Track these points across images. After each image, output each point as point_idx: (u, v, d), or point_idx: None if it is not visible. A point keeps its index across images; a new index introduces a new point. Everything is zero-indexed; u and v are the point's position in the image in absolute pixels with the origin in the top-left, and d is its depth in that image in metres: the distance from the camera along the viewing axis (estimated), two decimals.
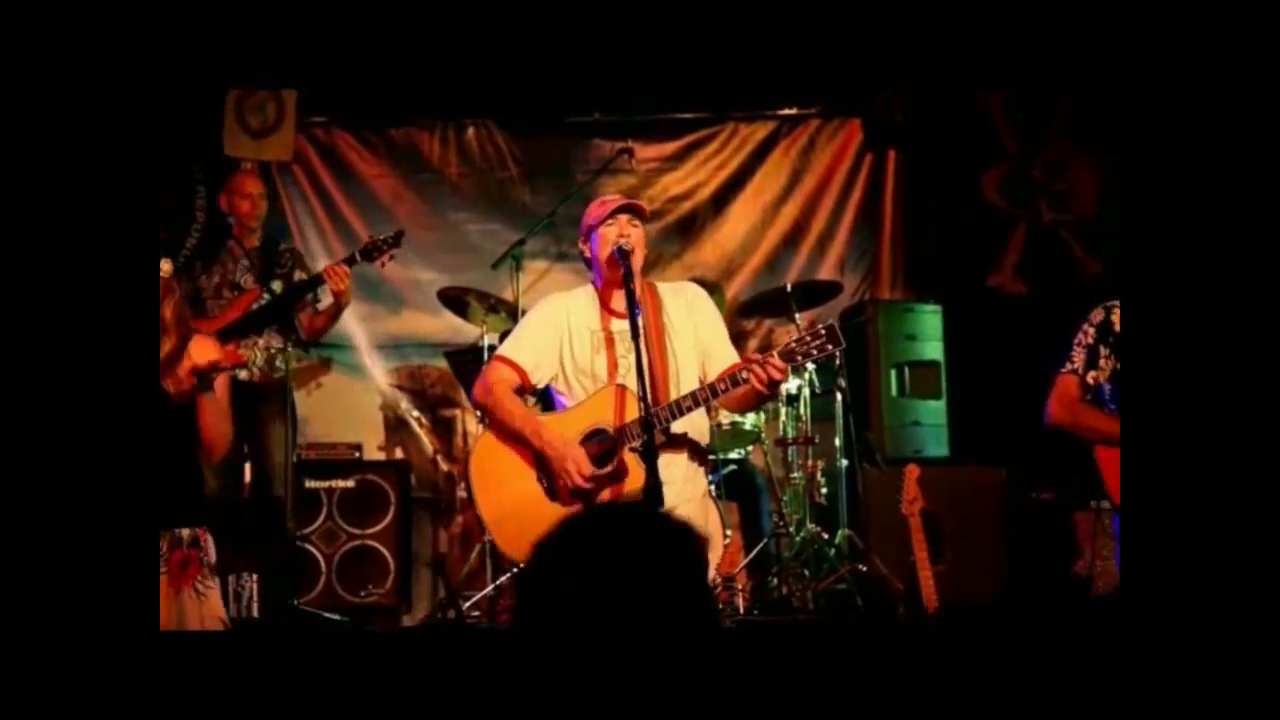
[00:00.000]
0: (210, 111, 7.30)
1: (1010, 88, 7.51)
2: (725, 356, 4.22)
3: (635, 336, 3.91)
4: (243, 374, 5.97)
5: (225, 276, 6.12)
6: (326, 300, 6.12)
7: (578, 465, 4.00)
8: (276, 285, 6.07)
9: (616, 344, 4.15)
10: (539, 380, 4.23)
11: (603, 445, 4.04)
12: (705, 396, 4.01)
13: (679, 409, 4.01)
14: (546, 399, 4.36)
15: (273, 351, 6.05)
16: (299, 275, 6.20)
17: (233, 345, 5.88)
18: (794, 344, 3.93)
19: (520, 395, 4.24)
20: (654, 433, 3.82)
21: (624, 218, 4.18)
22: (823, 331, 3.90)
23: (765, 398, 4.12)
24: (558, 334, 4.23)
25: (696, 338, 4.23)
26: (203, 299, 6.10)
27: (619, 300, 4.16)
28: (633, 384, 3.96)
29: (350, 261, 5.97)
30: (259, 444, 6.05)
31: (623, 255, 4.07)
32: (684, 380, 4.16)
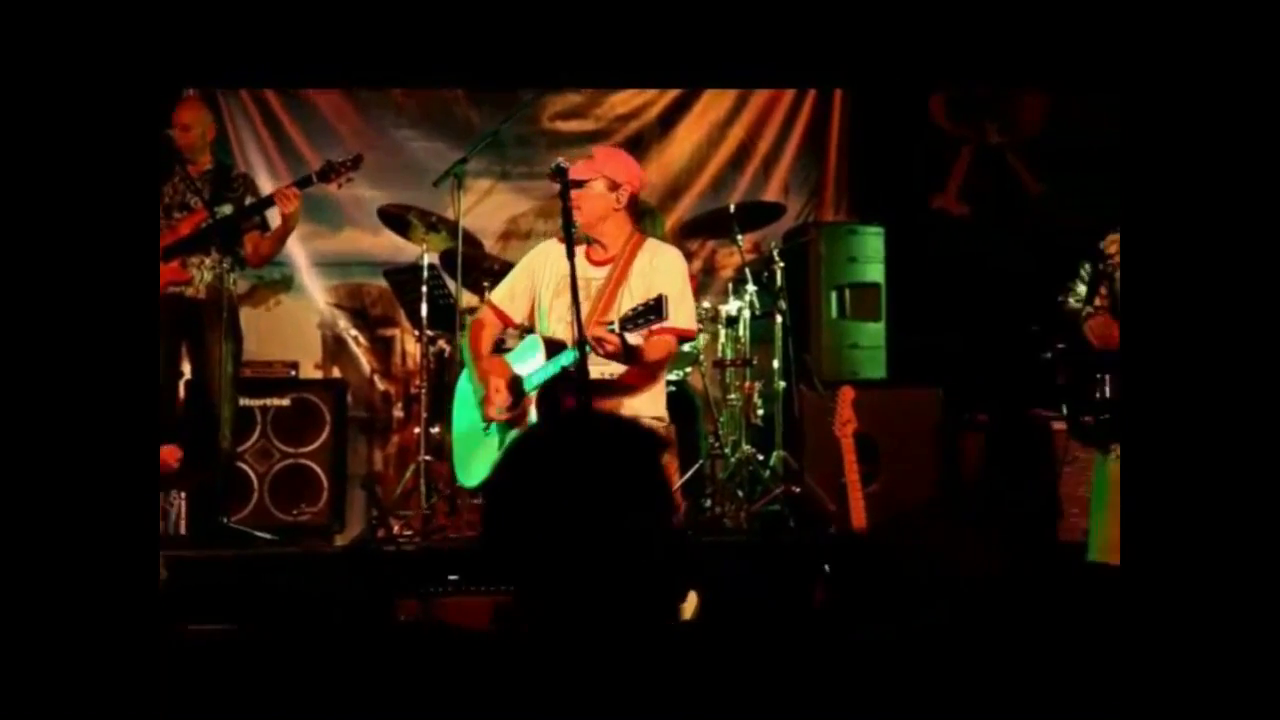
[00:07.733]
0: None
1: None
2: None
3: (571, 256, 4.17)
4: (188, 290, 5.90)
5: (174, 198, 6.00)
6: (275, 223, 6.04)
7: (498, 388, 4.53)
8: (226, 208, 5.94)
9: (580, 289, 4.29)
10: (518, 319, 4.80)
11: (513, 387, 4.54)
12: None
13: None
14: None
15: (220, 270, 5.90)
16: (250, 200, 6.09)
17: (177, 263, 5.83)
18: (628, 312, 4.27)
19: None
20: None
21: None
22: (652, 302, 4.21)
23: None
24: (530, 278, 4.72)
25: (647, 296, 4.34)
26: None
27: (597, 250, 4.65)
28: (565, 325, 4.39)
29: (305, 183, 5.91)
30: (202, 361, 5.96)
31: (559, 172, 4.24)
32: None
